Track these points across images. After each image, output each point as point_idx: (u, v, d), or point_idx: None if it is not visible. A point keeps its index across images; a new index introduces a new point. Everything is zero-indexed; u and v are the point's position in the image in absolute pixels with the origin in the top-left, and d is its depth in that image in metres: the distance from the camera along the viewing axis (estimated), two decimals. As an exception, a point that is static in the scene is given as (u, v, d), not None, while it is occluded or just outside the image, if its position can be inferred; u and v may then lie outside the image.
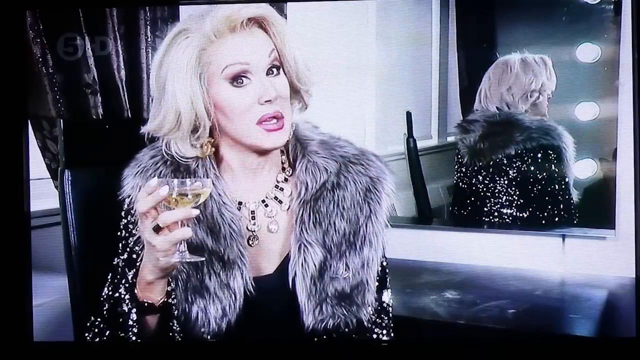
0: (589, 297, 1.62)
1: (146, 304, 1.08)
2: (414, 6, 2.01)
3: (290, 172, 1.19)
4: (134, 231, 1.13)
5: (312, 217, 1.14)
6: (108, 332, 1.10)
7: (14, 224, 1.41)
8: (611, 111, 1.72)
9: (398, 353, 1.35)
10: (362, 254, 1.16)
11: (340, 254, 1.15)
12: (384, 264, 1.22)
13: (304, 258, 1.13)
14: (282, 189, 1.18)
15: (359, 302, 1.16)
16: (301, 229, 1.14)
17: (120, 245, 1.14)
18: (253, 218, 1.17)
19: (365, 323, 1.18)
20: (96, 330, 1.11)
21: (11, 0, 1.45)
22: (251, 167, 1.16)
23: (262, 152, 1.14)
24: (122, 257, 1.13)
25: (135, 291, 1.08)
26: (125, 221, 1.15)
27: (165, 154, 1.14)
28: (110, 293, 1.10)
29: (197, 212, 1.01)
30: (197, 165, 1.14)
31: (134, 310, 1.07)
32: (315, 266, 1.13)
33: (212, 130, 1.12)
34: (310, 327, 1.13)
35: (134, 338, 1.08)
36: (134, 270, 1.09)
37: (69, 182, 1.33)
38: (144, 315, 1.08)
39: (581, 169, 1.82)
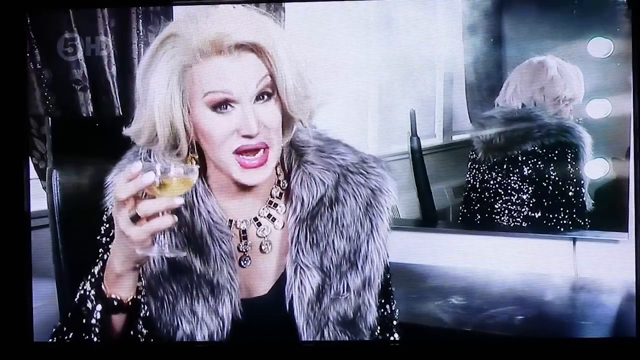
0: (599, 302, 1.59)
1: (115, 302, 1.00)
2: (419, 2, 1.97)
3: (286, 185, 1.11)
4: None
5: (309, 237, 1.07)
6: (71, 334, 1.02)
7: (14, 224, 1.40)
8: (624, 108, 1.66)
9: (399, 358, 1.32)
10: (363, 274, 1.10)
11: (341, 274, 1.09)
12: (388, 276, 1.16)
13: (301, 281, 1.07)
14: (276, 205, 1.11)
15: (361, 326, 1.10)
16: (297, 251, 1.07)
17: (99, 251, 1.07)
18: (245, 238, 1.10)
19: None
20: (60, 336, 1.04)
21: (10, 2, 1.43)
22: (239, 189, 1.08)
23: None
24: (98, 266, 1.04)
25: (103, 287, 1.00)
26: (107, 226, 1.08)
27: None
28: (79, 293, 1.03)
29: (181, 201, 0.93)
30: None
31: (99, 308, 0.99)
32: (312, 290, 1.07)
33: (195, 147, 1.05)
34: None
35: (95, 339, 1.00)
36: (101, 263, 1.02)
37: (57, 182, 1.31)
38: (111, 314, 1.01)
39: (593, 169, 1.78)
